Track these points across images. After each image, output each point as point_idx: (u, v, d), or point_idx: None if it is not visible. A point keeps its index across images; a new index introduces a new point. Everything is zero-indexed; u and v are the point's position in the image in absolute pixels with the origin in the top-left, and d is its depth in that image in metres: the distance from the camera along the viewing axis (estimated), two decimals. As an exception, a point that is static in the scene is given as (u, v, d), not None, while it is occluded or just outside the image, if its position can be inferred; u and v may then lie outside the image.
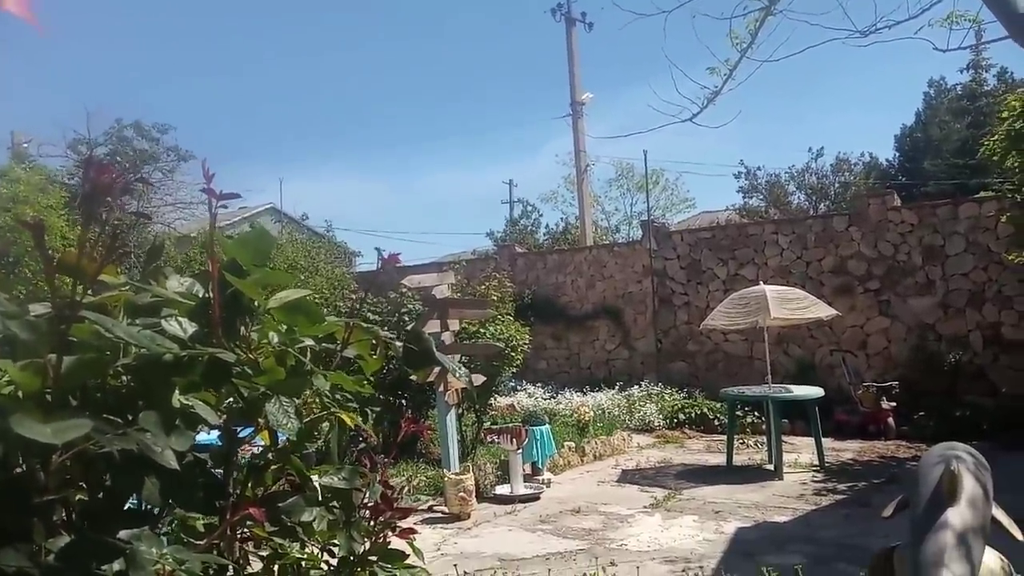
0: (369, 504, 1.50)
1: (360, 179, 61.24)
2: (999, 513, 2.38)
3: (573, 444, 9.87)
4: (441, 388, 7.74)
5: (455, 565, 5.18)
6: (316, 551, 1.43)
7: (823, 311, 9.11)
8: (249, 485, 1.33)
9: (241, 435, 1.31)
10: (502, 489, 8.01)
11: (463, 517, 7.19)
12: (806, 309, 9.00)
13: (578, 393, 12.91)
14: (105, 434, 0.93)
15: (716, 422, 11.72)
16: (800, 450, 9.73)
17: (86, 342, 1.02)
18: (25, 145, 18.41)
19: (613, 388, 13.18)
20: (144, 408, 1.04)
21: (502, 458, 8.34)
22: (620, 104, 47.99)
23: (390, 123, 66.41)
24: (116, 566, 0.96)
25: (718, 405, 11.75)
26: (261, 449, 1.39)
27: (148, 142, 19.07)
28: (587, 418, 10.59)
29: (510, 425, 8.56)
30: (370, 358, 1.48)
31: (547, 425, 9.02)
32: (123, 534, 1.01)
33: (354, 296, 11.04)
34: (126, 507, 1.10)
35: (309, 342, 1.33)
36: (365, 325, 1.44)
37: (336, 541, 1.41)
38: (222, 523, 1.22)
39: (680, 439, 11.37)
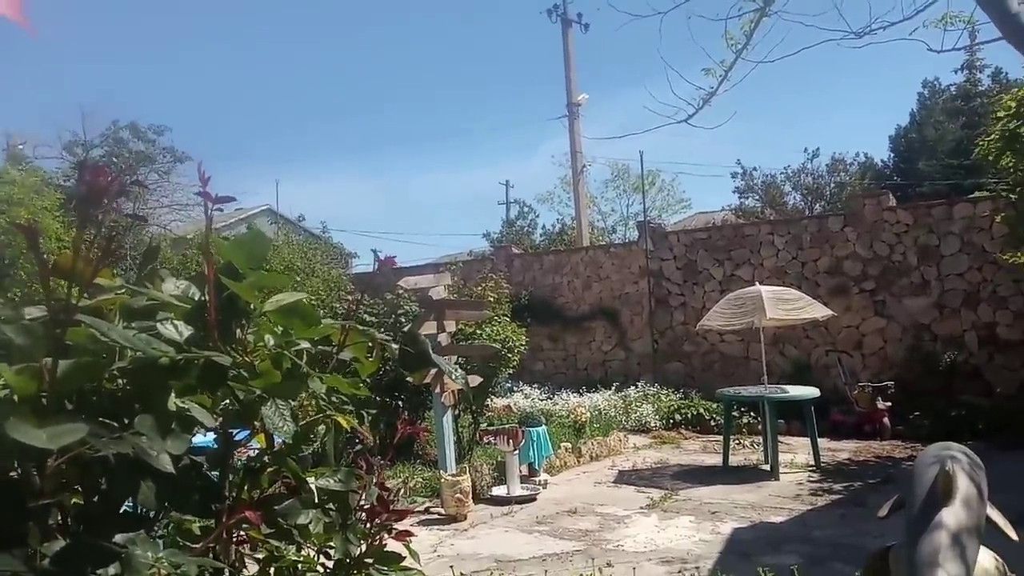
0: (365, 506, 1.50)
1: (356, 180, 61.25)
2: (994, 513, 2.39)
3: (569, 445, 9.88)
4: (437, 389, 7.74)
5: (451, 567, 5.18)
6: (312, 554, 1.43)
7: (819, 311, 9.12)
8: (245, 488, 1.33)
9: (237, 438, 1.31)
10: (498, 490, 8.01)
11: (459, 518, 7.19)
12: (802, 310, 9.02)
13: (575, 394, 12.92)
14: (101, 438, 0.93)
15: (712, 423, 11.73)
16: (796, 450, 9.75)
17: (82, 345, 1.02)
18: (20, 147, 18.36)
19: (610, 389, 13.18)
20: (140, 411, 1.04)
21: (498, 459, 8.34)
22: (616, 105, 48.12)
23: (386, 124, 66.44)
24: (112, 570, 0.96)
25: (714, 406, 11.76)
26: (257, 452, 1.39)
27: (144, 143, 19.04)
28: (583, 419, 10.60)
29: (506, 426, 8.56)
30: (366, 360, 1.48)
31: (543, 426, 9.02)
32: (119, 538, 1.01)
33: (350, 297, 11.03)
34: (121, 511, 1.10)
35: (305, 345, 1.33)
36: (361, 327, 1.44)
37: (332, 544, 1.41)
38: (218, 526, 1.22)
39: (676, 440, 11.38)
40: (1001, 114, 9.04)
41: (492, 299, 10.05)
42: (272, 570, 1.37)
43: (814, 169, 28.97)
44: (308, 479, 1.35)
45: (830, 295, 12.05)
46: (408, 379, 8.11)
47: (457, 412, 8.87)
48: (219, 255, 1.25)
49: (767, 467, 8.85)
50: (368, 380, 1.50)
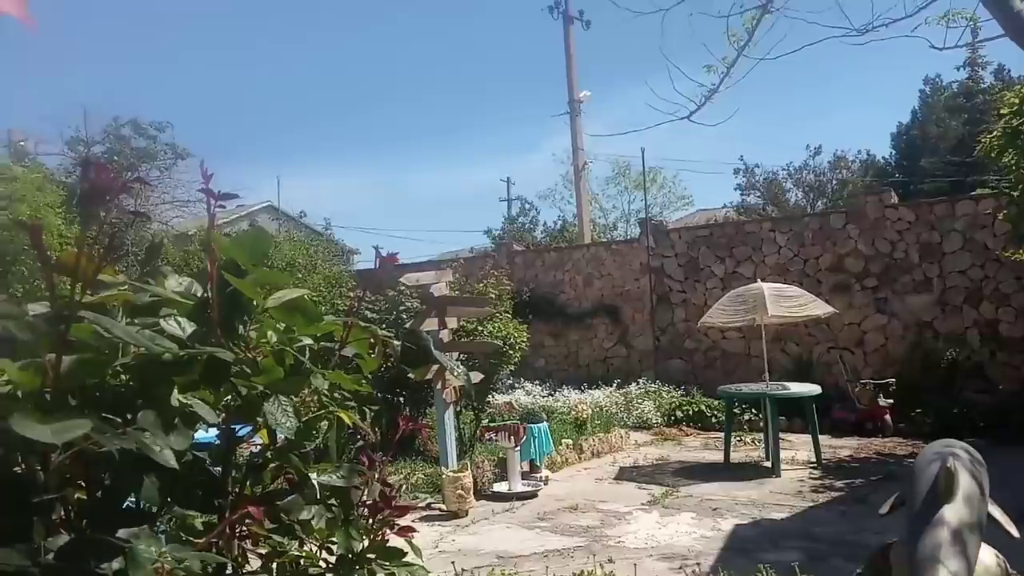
0: (368, 502, 1.51)
1: (358, 177, 61.25)
2: (995, 510, 2.39)
3: (571, 442, 9.88)
4: (439, 386, 7.75)
5: (453, 563, 5.19)
6: (315, 549, 1.43)
7: (820, 309, 9.12)
8: (248, 483, 1.34)
9: (240, 434, 1.32)
10: (500, 487, 8.02)
11: (461, 515, 7.20)
12: (803, 307, 9.01)
13: (576, 391, 12.93)
14: (104, 434, 0.93)
15: (714, 420, 11.74)
16: (797, 447, 9.75)
17: (85, 342, 1.03)
18: (23, 143, 18.37)
19: (611, 386, 13.19)
20: (143, 407, 1.04)
21: (500, 456, 8.35)
22: (618, 102, 48.05)
23: (388, 121, 66.40)
24: (115, 565, 0.97)
25: (716, 403, 11.76)
26: (260, 448, 1.40)
27: (145, 140, 19.02)
28: (585, 416, 10.60)
29: (508, 423, 8.57)
30: (368, 357, 1.48)
31: (545, 423, 9.03)
32: (122, 533, 1.01)
33: (352, 294, 11.04)
34: (124, 506, 1.11)
35: (307, 341, 1.34)
36: (363, 324, 1.44)
37: (334, 539, 1.41)
38: (221, 521, 1.22)
39: (678, 437, 11.39)
40: (1004, 111, 9.01)
41: (493, 296, 10.05)
42: (275, 566, 1.37)
43: (816, 166, 29.00)
44: (311, 474, 1.36)
45: (832, 292, 12.04)
46: (410, 375, 8.11)
47: (459, 409, 8.88)
48: (221, 252, 1.26)
49: (768, 464, 8.85)
50: (370, 376, 1.51)
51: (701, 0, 7.13)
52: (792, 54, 7.18)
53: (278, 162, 64.04)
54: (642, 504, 7.52)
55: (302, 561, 1.40)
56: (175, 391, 1.12)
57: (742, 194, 30.16)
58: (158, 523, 1.17)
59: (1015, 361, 10.97)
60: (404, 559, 1.48)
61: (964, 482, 2.23)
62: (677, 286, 14.07)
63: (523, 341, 9.78)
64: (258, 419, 1.27)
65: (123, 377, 1.13)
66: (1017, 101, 8.75)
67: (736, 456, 9.54)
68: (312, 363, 1.32)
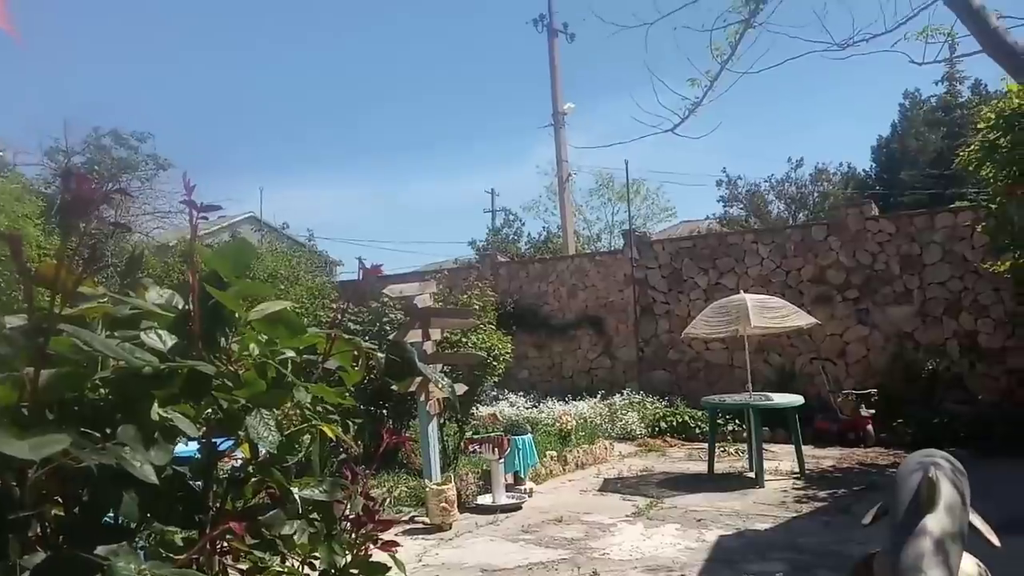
0: (350, 516, 1.49)
1: (341, 188, 61.07)
2: (976, 519, 2.41)
3: (555, 453, 9.87)
4: (423, 398, 7.72)
5: (437, 576, 5.15)
6: (297, 564, 1.42)
7: (803, 320, 9.19)
8: (229, 498, 1.32)
9: (221, 448, 1.30)
10: (484, 499, 7.99)
11: (445, 527, 7.16)
12: (786, 318, 9.08)
13: (560, 402, 12.92)
14: (83, 449, 0.92)
15: (697, 430, 11.77)
16: (781, 458, 9.79)
17: (64, 355, 1.01)
18: (1, 153, 18.17)
19: (595, 397, 13.19)
20: (123, 421, 1.03)
21: (484, 468, 8.31)
22: (602, 114, 48.32)
23: (372, 132, 66.32)
24: (93, 582, 0.95)
25: (699, 413, 11.79)
26: (241, 462, 1.38)
27: (126, 150, 18.87)
28: (569, 427, 10.59)
29: (492, 435, 8.54)
30: (352, 369, 1.47)
31: (529, 434, 9.01)
32: (100, 550, 0.99)
33: (335, 306, 10.98)
34: (103, 522, 1.09)
35: (290, 354, 1.33)
36: (347, 336, 1.43)
37: (317, 554, 1.40)
38: (201, 537, 1.20)
39: (662, 447, 11.40)
40: (981, 125, 9.16)
41: (477, 307, 10.04)
42: (256, 581, 1.35)
43: (798, 179, 29.30)
44: (293, 489, 1.35)
45: (814, 303, 12.14)
46: (393, 388, 8.06)
47: (442, 421, 8.84)
48: (204, 264, 1.25)
49: (752, 475, 8.88)
50: (353, 389, 1.49)
51: (685, 14, 7.20)
52: (774, 68, 7.27)
53: (261, 173, 63.78)
54: (626, 516, 7.51)
55: (284, 577, 1.38)
56: (155, 405, 1.10)
57: (725, 206, 30.41)
58: (137, 539, 1.15)
59: (994, 372, 11.09)
60: (388, 574, 1.47)
61: (946, 492, 2.25)
62: (661, 297, 14.13)
63: (507, 353, 9.77)
64: (240, 433, 1.25)
65: (102, 391, 1.11)
66: (994, 116, 8.90)
67: (720, 467, 9.56)
68: (295, 376, 1.31)
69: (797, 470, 9.02)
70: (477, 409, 10.31)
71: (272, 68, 64.76)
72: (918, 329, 11.67)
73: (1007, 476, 8.04)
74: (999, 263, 9.75)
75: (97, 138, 18.62)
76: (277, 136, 65.52)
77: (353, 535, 1.48)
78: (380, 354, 1.47)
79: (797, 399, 9.09)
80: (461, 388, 8.09)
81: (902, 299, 11.81)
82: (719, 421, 10.45)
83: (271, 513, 1.30)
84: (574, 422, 10.90)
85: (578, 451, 10.22)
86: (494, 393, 13.03)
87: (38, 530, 1.04)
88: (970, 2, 5.07)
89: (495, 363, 9.46)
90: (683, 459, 10.57)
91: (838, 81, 51.73)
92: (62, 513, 1.08)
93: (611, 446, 10.98)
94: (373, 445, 1.85)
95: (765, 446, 9.26)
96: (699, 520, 7.20)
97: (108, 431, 1.04)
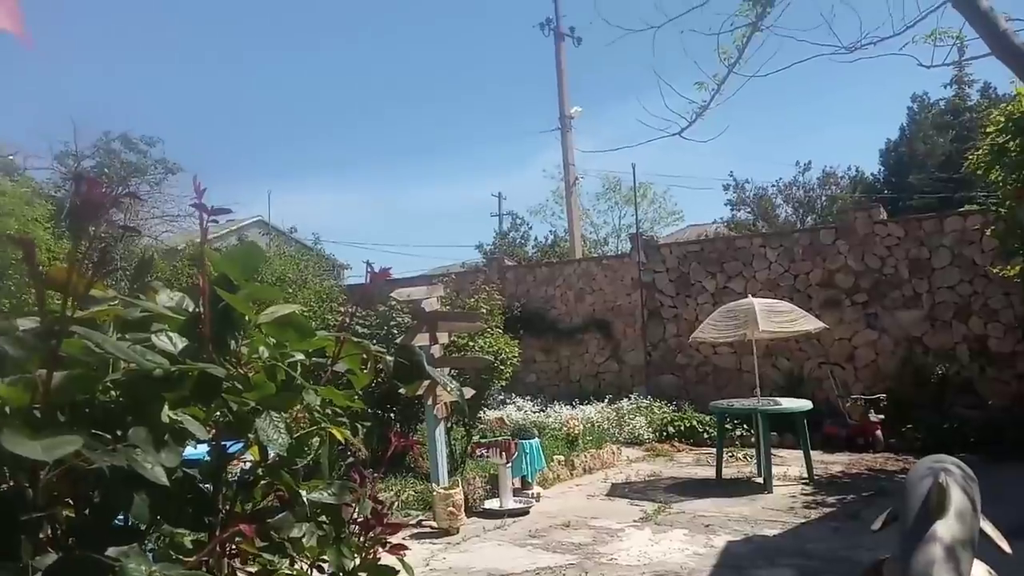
0: (359, 520, 1.49)
1: (349, 192, 61.23)
2: (987, 526, 2.39)
3: (563, 458, 9.85)
4: (430, 401, 7.72)
5: (444, 580, 5.15)
6: (306, 567, 1.42)
7: (811, 324, 9.15)
8: (238, 501, 1.32)
9: (230, 450, 1.31)
10: (491, 503, 7.98)
11: (452, 532, 7.15)
12: (794, 322, 9.04)
13: (567, 406, 12.89)
14: (95, 450, 0.92)
15: (705, 435, 11.73)
16: (789, 463, 9.75)
17: (76, 357, 1.02)
18: (11, 157, 18.30)
19: (603, 401, 13.17)
20: (133, 423, 1.03)
21: (491, 472, 8.31)
22: (608, 118, 48.32)
23: (379, 136, 66.50)
24: (104, 584, 0.96)
25: (707, 418, 11.76)
26: (250, 464, 1.38)
27: (136, 154, 18.99)
28: (577, 431, 10.57)
29: (499, 439, 8.53)
30: (360, 372, 1.48)
31: (536, 439, 9.00)
32: (111, 551, 1.00)
33: (342, 309, 11.01)
34: (113, 523, 1.09)
35: (299, 357, 1.33)
36: (356, 339, 1.44)
37: (326, 557, 1.40)
38: (211, 540, 1.21)
39: (670, 452, 11.37)
40: (990, 128, 9.13)
41: (485, 311, 10.04)
42: (265, 584, 1.36)
43: (805, 182, 29.22)
44: (301, 492, 1.35)
45: (822, 308, 12.10)
46: (401, 391, 8.07)
47: (450, 424, 8.84)
48: (213, 267, 1.25)
49: (760, 480, 8.84)
50: (361, 392, 1.50)
51: (692, 18, 7.21)
52: (782, 71, 7.26)
53: (269, 177, 63.96)
54: (634, 521, 7.49)
55: (293, 580, 1.38)
56: (166, 407, 1.11)
57: (732, 209, 30.35)
58: (147, 541, 1.16)
59: (1004, 376, 11.03)
60: (396, 577, 1.47)
61: (956, 498, 2.23)
62: (668, 301, 14.11)
63: (514, 356, 9.76)
64: (249, 435, 1.26)
65: (113, 393, 1.12)
66: (1003, 119, 8.86)
67: (728, 472, 9.53)
68: (304, 379, 1.31)
69: (806, 475, 8.98)
70: (484, 413, 10.30)
71: (280, 72, 65.03)
72: (927, 333, 11.61)
73: (1018, 481, 7.99)
74: (1009, 267, 9.70)
75: (107, 142, 18.74)
76: (284, 140, 65.75)
77: (361, 538, 1.48)
78: (389, 357, 1.47)
79: (806, 404, 9.05)
80: (468, 392, 8.09)
81: (911, 303, 11.76)
82: (727, 426, 10.40)
83: (280, 516, 1.31)
84: (581, 426, 10.88)
85: (585, 455, 10.20)
86: (501, 397, 13.02)
87: (49, 531, 1.04)
88: (979, 5, 5.06)
89: (502, 367, 9.46)
90: (691, 464, 10.54)
91: (846, 84, 51.56)
92: (73, 514, 1.08)
93: (619, 451, 10.96)
94: (381, 448, 1.85)
95: (773, 451, 9.23)
96: (707, 525, 7.17)
97: (119, 433, 1.04)
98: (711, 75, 7.19)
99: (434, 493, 7.36)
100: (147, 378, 1.06)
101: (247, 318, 1.24)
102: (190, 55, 59.33)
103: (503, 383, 9.98)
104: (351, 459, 1.68)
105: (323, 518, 1.40)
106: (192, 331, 1.18)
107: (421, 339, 7.69)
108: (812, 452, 9.15)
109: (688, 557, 6.22)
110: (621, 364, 14.58)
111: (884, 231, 12.09)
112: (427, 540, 6.97)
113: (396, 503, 7.59)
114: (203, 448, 1.29)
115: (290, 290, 14.13)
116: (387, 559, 1.51)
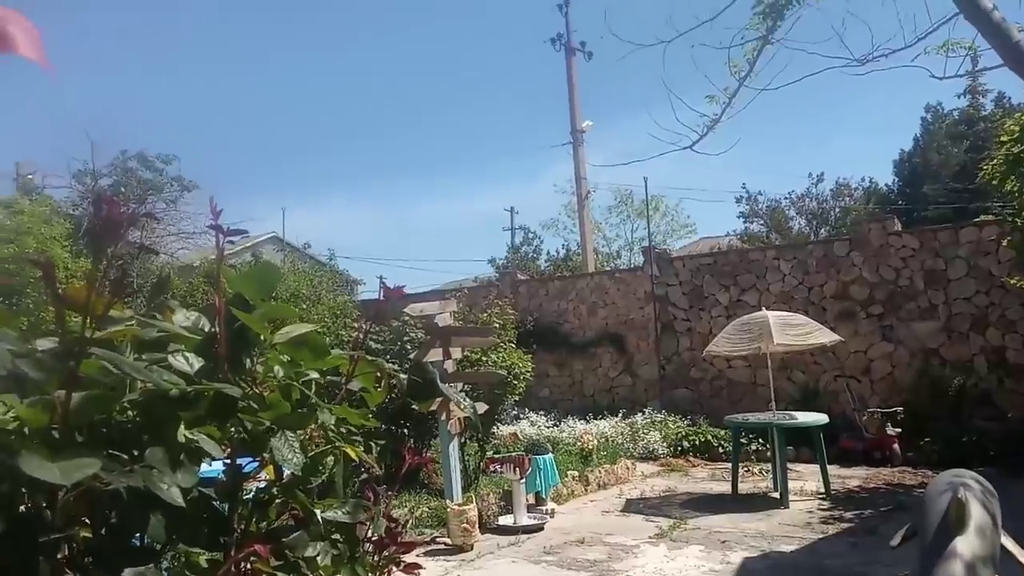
0: (373, 538, 1.49)
1: (362, 207, 61.54)
2: (1008, 541, 2.36)
3: (577, 473, 9.80)
4: (444, 417, 7.71)
5: (459, 597, 5.12)
6: (321, 586, 1.42)
7: (826, 337, 9.09)
8: (253, 520, 1.33)
9: (245, 469, 1.31)
10: (505, 520, 7.94)
11: (466, 549, 7.12)
12: (809, 335, 8.98)
13: (581, 421, 12.84)
14: (112, 471, 0.93)
15: (720, 449, 11.64)
16: (805, 478, 9.65)
17: (94, 378, 1.03)
18: (30, 176, 18.56)
19: (616, 416, 13.10)
20: (150, 443, 1.04)
21: (505, 488, 8.27)
22: (620, 131, 48.36)
23: (391, 151, 66.89)
24: (121, 604, 0.96)
25: (722, 432, 11.67)
26: (265, 483, 1.39)
27: (152, 172, 19.22)
28: (591, 446, 10.52)
29: (513, 454, 8.50)
30: (374, 390, 1.48)
31: (550, 454, 8.96)
32: (127, 572, 1.00)
33: (356, 325, 11.04)
34: (129, 543, 1.10)
35: (314, 375, 1.34)
36: (369, 357, 1.44)
37: (340, 576, 1.40)
38: (226, 559, 1.21)
39: (684, 467, 11.29)
40: (1005, 139, 9.07)
41: (498, 325, 10.04)
42: (280, 603, 1.36)
43: (819, 194, 29.12)
44: (316, 511, 1.35)
45: (837, 320, 12.01)
46: (414, 407, 8.07)
47: (463, 440, 8.82)
48: (229, 286, 1.26)
49: (776, 495, 8.76)
50: (375, 408, 1.50)
51: (702, 32, 7.23)
52: (793, 84, 7.25)
53: (283, 193, 64.43)
54: (649, 537, 7.43)
55: (308, 599, 1.38)
56: (182, 427, 1.12)
57: (745, 222, 30.28)
58: (163, 561, 1.16)
59: (1023, 388, 10.89)
60: (410, 596, 1.47)
61: (976, 513, 2.21)
62: (682, 314, 14.05)
63: (527, 371, 9.74)
64: (264, 454, 1.26)
65: (130, 413, 1.13)
66: (1017, 129, 8.80)
67: (744, 487, 9.44)
68: (318, 397, 1.32)
69: (822, 490, 8.88)
70: (498, 428, 10.28)
71: (294, 88, 65.64)
72: (944, 345, 11.50)
73: (1039, 496, 7.87)
74: (1026, 278, 9.61)
75: (124, 160, 18.97)
76: (298, 156, 66.22)
77: (376, 557, 1.48)
78: (402, 375, 1.48)
79: (821, 418, 8.97)
80: (482, 407, 8.07)
81: (927, 315, 11.65)
82: (742, 440, 10.32)
83: (295, 535, 1.31)
84: (595, 441, 10.83)
85: (600, 471, 10.14)
86: (515, 412, 12.98)
87: (67, 551, 1.05)
88: (991, 16, 5.04)
89: (515, 381, 9.44)
90: (706, 479, 10.45)
91: (858, 95, 51.41)
92: (90, 535, 1.09)
93: (633, 466, 10.89)
94: (395, 465, 1.85)
95: (789, 466, 9.14)
96: (723, 541, 7.11)
97: (135, 453, 1.05)
98: (722, 88, 7.20)
99: (448, 509, 7.34)
100: (163, 398, 1.07)
101: (263, 337, 1.25)
102: (203, 72, 60.02)
103: (516, 398, 9.96)
104: (365, 476, 1.68)
105: (337, 537, 1.40)
106: (208, 351, 1.19)
107: (434, 354, 7.69)
108: (829, 466, 9.05)
109: (704, 574, 6.16)
110: (635, 378, 14.52)
111: (899, 242, 12.01)
112: (441, 557, 6.94)
113: (410, 520, 7.56)
114: (218, 465, 1.29)
115: (304, 306, 14.20)
116: (401, 578, 1.51)
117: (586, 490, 9.75)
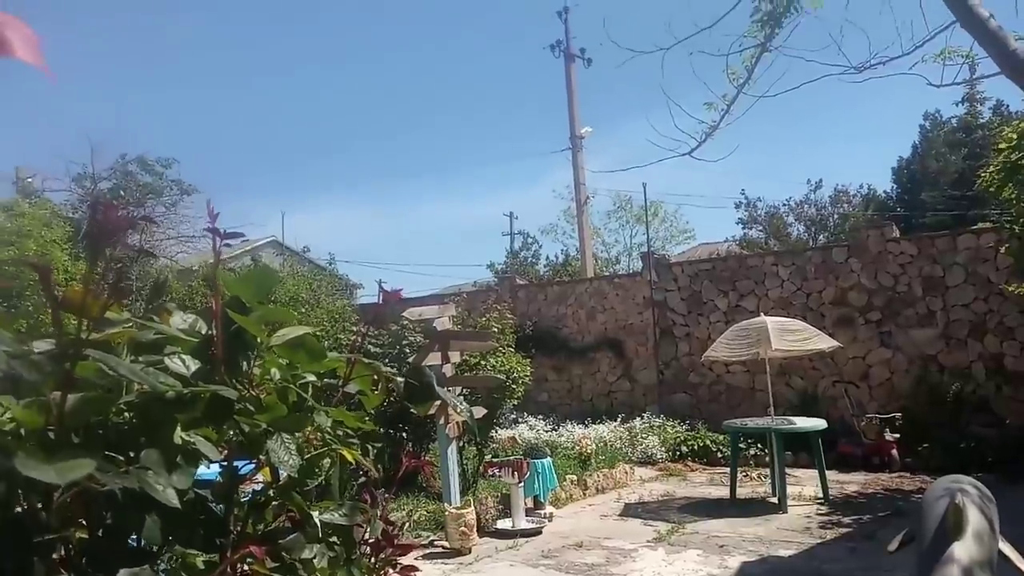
0: (370, 540, 1.49)
1: (361, 211, 61.55)
2: (1006, 547, 2.36)
3: (575, 477, 9.79)
4: (442, 421, 7.71)
5: (456, 602, 5.12)
6: (316, 589, 1.41)
7: (824, 342, 9.10)
8: (250, 522, 1.33)
9: (242, 471, 1.31)
10: (503, 523, 7.93)
11: (464, 552, 7.11)
12: (807, 340, 8.99)
13: (580, 425, 12.83)
14: (107, 472, 0.93)
15: (719, 454, 11.64)
16: (804, 483, 9.64)
17: (90, 379, 1.03)
18: (30, 180, 18.56)
19: (615, 420, 13.09)
20: (146, 445, 1.04)
21: (503, 492, 8.27)
22: (619, 137, 48.42)
23: (391, 156, 66.95)
24: (116, 606, 0.96)
25: (721, 437, 11.67)
26: (262, 485, 1.39)
27: (151, 176, 19.21)
28: (589, 451, 10.51)
29: (511, 458, 8.50)
30: (372, 393, 1.48)
31: (549, 458, 8.96)
32: (123, 573, 1.00)
33: (355, 328, 11.03)
34: (125, 545, 1.10)
35: (311, 378, 1.34)
36: (367, 361, 1.45)
37: (337, 578, 1.40)
38: (222, 561, 1.21)
39: (683, 472, 11.28)
40: (1003, 146, 9.09)
41: (496, 330, 10.03)
42: (276, 606, 1.36)
43: (817, 200, 29.16)
44: (313, 513, 1.35)
45: (835, 326, 12.02)
46: (412, 410, 8.09)
47: (462, 444, 8.82)
48: (227, 289, 1.27)
49: (775, 500, 8.75)
50: (372, 412, 1.50)
51: (701, 39, 7.23)
52: (791, 91, 7.26)
53: (282, 197, 64.45)
54: (648, 541, 7.42)
55: (303, 601, 1.38)
56: (178, 429, 1.12)
57: (744, 228, 30.31)
58: (159, 562, 1.16)
59: (1021, 395, 10.89)
60: (407, 599, 1.46)
61: (973, 518, 2.21)
62: (680, 320, 14.06)
63: (526, 375, 9.74)
64: (261, 456, 1.26)
65: (126, 415, 1.13)
66: (1015, 136, 8.83)
67: (742, 492, 9.44)
68: (315, 400, 1.32)
69: (821, 495, 8.88)
70: (496, 432, 10.27)
71: (293, 93, 65.75)
72: (942, 352, 11.51)
73: (1037, 502, 7.87)
74: (1023, 285, 9.62)
75: (123, 164, 18.98)
76: (297, 160, 66.28)
77: (372, 559, 1.48)
78: (400, 379, 1.48)
79: (820, 423, 8.97)
80: (480, 411, 8.08)
81: (925, 321, 11.66)
82: (741, 445, 10.32)
83: (291, 537, 1.31)
84: (594, 446, 10.82)
85: (598, 475, 10.14)
86: (513, 416, 12.97)
87: (62, 553, 1.05)
88: (987, 24, 5.06)
89: (514, 386, 9.44)
90: (705, 484, 10.45)
91: (856, 102, 51.64)
92: (86, 536, 1.09)
93: (631, 470, 10.88)
94: (392, 468, 1.86)
95: (788, 471, 9.14)
96: (721, 546, 7.10)
97: (131, 454, 1.05)
98: (720, 95, 7.21)
99: (446, 513, 7.33)
100: (160, 400, 1.07)
101: (259, 340, 1.26)
102: (203, 77, 60.10)
103: (515, 402, 9.95)
104: (362, 479, 1.68)
105: (334, 539, 1.40)
106: (205, 353, 1.19)
107: (433, 358, 7.69)
108: (827, 472, 9.05)
109: (702, 579, 6.15)
110: (633, 383, 14.51)
111: (897, 249, 12.02)
112: (439, 560, 6.94)
113: (408, 523, 7.55)
114: (215, 467, 1.29)
115: (303, 310, 14.19)
116: (398, 581, 1.51)
117: (584, 494, 9.74)
